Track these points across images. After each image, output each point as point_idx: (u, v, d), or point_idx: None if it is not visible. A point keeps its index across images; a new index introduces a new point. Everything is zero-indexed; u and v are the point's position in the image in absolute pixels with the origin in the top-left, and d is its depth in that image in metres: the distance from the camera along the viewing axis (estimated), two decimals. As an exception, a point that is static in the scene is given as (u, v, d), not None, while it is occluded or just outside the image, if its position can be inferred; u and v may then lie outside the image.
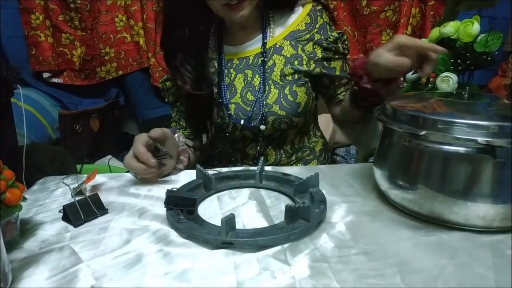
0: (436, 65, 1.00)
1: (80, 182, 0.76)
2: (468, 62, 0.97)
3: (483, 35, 0.96)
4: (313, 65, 0.95)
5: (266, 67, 0.94)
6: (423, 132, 0.56)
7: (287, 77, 0.93)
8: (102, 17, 1.80)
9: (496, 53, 0.95)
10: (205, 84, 0.94)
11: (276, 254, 0.54)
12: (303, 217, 0.59)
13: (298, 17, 0.96)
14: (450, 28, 0.98)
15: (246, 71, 0.95)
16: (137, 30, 1.83)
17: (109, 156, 1.76)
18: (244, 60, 0.96)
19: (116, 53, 1.85)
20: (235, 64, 0.97)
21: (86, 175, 0.78)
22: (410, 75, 1.19)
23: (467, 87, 0.68)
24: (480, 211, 0.57)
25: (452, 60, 0.97)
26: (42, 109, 1.77)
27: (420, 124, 0.58)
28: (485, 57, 0.96)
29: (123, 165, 0.81)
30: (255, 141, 0.97)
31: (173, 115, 1.06)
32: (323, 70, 0.96)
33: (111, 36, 1.83)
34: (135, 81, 1.95)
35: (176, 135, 0.90)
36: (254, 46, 0.96)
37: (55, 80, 1.86)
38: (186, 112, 1.01)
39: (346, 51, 0.99)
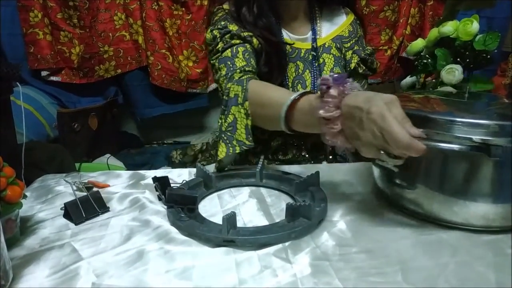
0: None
1: (82, 180, 0.76)
2: (468, 60, 0.97)
3: (481, 35, 0.97)
4: (345, 71, 0.99)
5: (317, 64, 0.96)
6: (422, 131, 0.56)
7: None
8: (101, 15, 1.80)
9: (496, 51, 0.96)
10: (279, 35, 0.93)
11: (277, 252, 0.54)
12: (304, 215, 0.59)
13: (343, 23, 1.00)
14: (449, 27, 0.98)
15: (298, 62, 0.96)
16: (136, 29, 1.83)
17: (107, 155, 1.75)
18: (296, 51, 0.97)
19: (115, 52, 1.84)
20: (288, 51, 0.96)
21: (88, 173, 0.78)
22: (405, 81, 1.20)
23: (468, 86, 0.69)
24: (479, 210, 0.57)
25: (451, 59, 0.98)
26: (40, 108, 1.76)
27: (419, 123, 0.58)
28: (484, 55, 0.97)
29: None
30: (282, 134, 0.82)
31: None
32: None
33: (110, 34, 1.82)
34: (133, 80, 1.94)
35: None
36: (305, 42, 0.98)
37: (53, 78, 1.85)
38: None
39: (376, 69, 1.01)
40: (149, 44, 1.82)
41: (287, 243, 0.56)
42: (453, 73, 0.95)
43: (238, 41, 0.89)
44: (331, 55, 0.97)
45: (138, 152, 1.98)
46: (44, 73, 1.83)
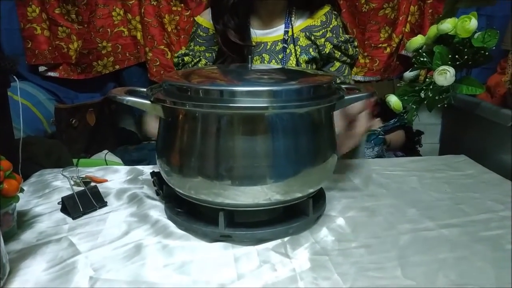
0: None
1: (80, 174, 0.75)
2: (466, 57, 0.97)
3: (480, 32, 0.97)
4: (318, 56, 1.00)
5: (281, 56, 0.99)
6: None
7: (302, 65, 0.98)
8: (99, 11, 1.78)
9: (494, 49, 0.96)
10: (248, 39, 0.97)
11: (276, 247, 0.54)
12: (302, 211, 0.59)
13: (317, 13, 1.02)
14: (447, 24, 0.98)
15: (264, 55, 1.00)
16: (135, 24, 1.82)
17: (105, 151, 1.74)
18: (262, 44, 1.00)
19: (113, 47, 1.83)
20: (253, 46, 0.99)
21: (85, 168, 0.77)
22: (408, 73, 1.19)
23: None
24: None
25: (450, 56, 0.97)
26: (37, 103, 1.75)
27: (186, 97, 0.55)
28: (482, 52, 0.97)
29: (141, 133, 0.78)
30: None
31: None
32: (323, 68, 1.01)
33: (108, 30, 1.81)
34: (132, 76, 1.93)
35: None
36: (273, 34, 1.01)
37: (51, 73, 1.84)
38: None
39: (355, 56, 1.02)
40: (147, 40, 1.81)
41: (286, 239, 0.56)
42: (444, 74, 0.94)
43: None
44: (298, 46, 0.99)
45: (136, 148, 1.96)
46: (41, 69, 1.81)
